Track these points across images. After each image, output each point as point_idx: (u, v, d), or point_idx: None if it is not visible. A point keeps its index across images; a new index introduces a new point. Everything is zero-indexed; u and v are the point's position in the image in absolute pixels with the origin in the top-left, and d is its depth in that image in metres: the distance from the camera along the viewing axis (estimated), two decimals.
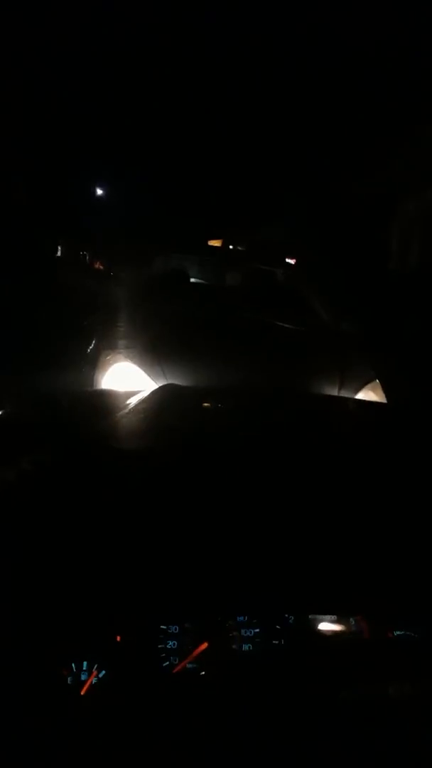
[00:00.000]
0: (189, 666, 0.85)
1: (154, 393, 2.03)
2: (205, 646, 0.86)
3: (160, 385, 2.70)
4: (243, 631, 0.88)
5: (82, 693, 0.84)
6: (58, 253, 15.87)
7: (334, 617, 0.88)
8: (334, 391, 3.16)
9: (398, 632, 0.85)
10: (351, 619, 0.88)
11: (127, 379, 3.05)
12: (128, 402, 1.82)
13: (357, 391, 3.22)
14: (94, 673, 0.85)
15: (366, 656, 0.81)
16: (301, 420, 1.80)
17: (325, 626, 0.87)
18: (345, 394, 3.16)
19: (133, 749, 0.77)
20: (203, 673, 0.84)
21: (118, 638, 0.87)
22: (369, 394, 3.24)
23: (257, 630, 0.88)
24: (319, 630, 0.87)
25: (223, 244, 10.03)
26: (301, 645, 0.84)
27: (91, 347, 3.80)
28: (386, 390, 3.29)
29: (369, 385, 3.25)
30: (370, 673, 0.78)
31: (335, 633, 0.86)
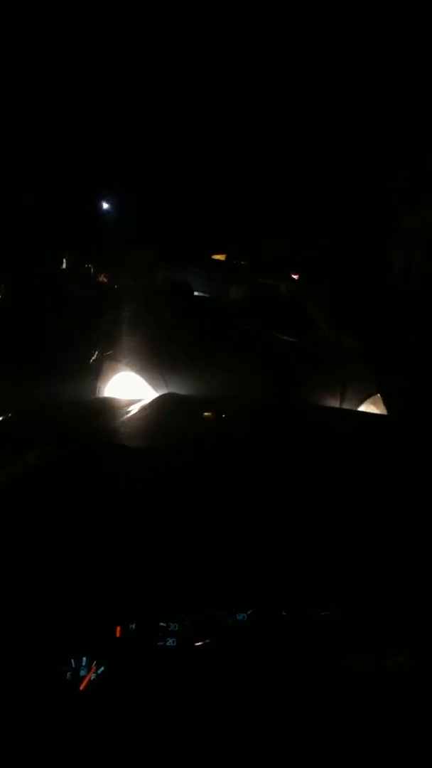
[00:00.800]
0: (188, 662, 0.86)
1: (155, 402, 2.05)
2: (204, 642, 0.87)
3: (162, 394, 2.72)
4: (241, 628, 0.89)
5: (81, 689, 0.85)
6: (63, 266, 15.97)
7: (331, 612, 0.89)
8: (336, 404, 3.17)
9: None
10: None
11: (129, 388, 3.07)
12: (129, 410, 1.84)
13: (359, 404, 3.23)
14: (93, 668, 0.86)
15: (362, 630, 0.83)
16: (301, 431, 1.82)
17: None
18: (347, 406, 3.17)
19: (132, 744, 0.78)
20: (202, 666, 0.85)
21: (118, 633, 0.87)
22: (370, 408, 3.25)
23: (255, 627, 0.89)
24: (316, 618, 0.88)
25: (227, 258, 10.09)
26: (298, 634, 0.85)
27: (94, 357, 3.83)
28: (387, 403, 3.31)
29: (370, 399, 3.27)
30: (366, 645, 0.79)
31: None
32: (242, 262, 9.14)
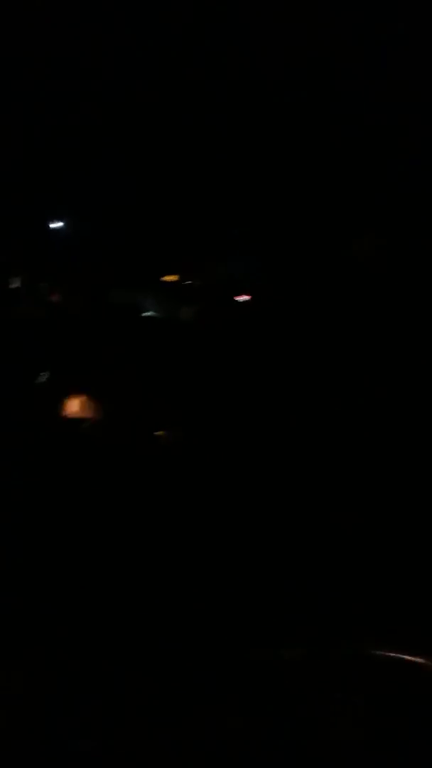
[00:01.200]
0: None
1: (102, 422, 2.07)
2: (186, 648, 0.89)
3: (112, 414, 2.74)
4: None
5: (75, 701, 0.86)
6: (18, 284, 15.63)
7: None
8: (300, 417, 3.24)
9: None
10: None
11: (80, 408, 3.08)
12: (82, 428, 1.86)
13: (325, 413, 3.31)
14: (89, 681, 0.87)
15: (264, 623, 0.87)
16: (265, 444, 1.87)
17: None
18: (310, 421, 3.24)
19: (129, 747, 0.79)
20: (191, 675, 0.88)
21: (115, 650, 0.89)
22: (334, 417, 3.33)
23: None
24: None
25: (179, 279, 10.13)
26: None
27: (43, 377, 3.81)
28: (355, 413, 3.39)
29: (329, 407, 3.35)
30: (266, 638, 0.84)
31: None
32: (194, 283, 9.20)
